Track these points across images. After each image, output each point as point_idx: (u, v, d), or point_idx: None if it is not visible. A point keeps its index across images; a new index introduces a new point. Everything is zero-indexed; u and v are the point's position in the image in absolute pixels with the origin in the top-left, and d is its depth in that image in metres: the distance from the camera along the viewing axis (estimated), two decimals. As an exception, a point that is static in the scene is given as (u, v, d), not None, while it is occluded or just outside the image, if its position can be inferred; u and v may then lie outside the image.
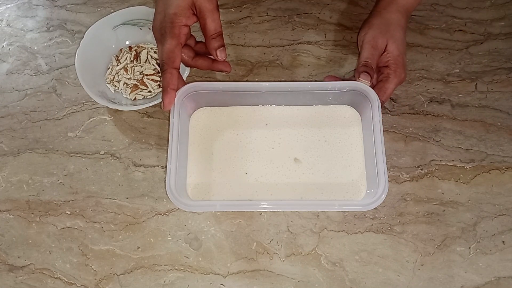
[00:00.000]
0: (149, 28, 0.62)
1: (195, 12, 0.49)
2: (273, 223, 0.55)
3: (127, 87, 0.60)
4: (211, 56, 0.53)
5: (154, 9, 0.60)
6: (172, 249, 0.55)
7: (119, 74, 0.60)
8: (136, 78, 0.60)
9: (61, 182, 0.58)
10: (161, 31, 0.48)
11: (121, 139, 0.60)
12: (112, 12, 0.61)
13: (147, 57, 0.61)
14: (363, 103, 0.57)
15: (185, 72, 0.57)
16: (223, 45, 0.51)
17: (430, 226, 0.54)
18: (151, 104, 0.56)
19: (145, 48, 0.62)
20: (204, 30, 0.50)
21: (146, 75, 0.60)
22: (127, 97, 0.60)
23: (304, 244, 0.54)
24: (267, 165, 0.57)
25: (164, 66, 0.48)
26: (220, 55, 0.51)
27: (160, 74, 0.60)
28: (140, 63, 0.61)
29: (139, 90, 0.60)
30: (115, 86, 0.61)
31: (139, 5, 0.64)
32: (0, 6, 0.68)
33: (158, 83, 0.60)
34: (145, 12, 0.61)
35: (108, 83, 0.61)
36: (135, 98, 0.60)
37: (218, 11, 0.49)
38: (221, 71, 0.54)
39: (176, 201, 0.52)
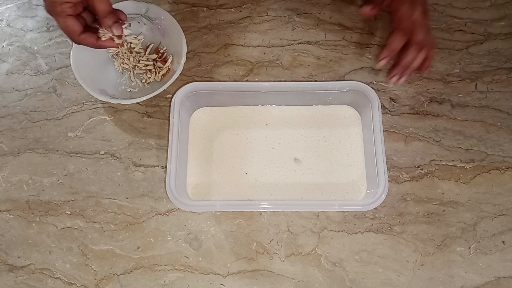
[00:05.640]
0: (138, 22, 0.60)
1: None
2: (273, 223, 0.55)
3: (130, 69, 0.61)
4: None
5: (143, 3, 0.59)
6: (172, 249, 0.55)
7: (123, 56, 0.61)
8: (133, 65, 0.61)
9: (61, 182, 0.58)
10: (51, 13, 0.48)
11: (121, 139, 0.60)
12: None
13: (140, 49, 0.61)
14: (363, 103, 0.57)
15: (179, 67, 0.56)
16: (117, 21, 0.50)
17: (430, 226, 0.54)
18: (151, 95, 0.55)
19: (138, 40, 0.61)
20: (95, 12, 0.49)
21: (141, 65, 0.60)
22: (127, 86, 0.60)
23: (304, 244, 0.54)
24: (267, 165, 0.57)
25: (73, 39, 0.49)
26: (116, 31, 0.50)
27: (156, 64, 0.61)
28: (133, 54, 0.60)
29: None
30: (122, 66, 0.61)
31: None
32: (0, 6, 0.68)
33: (154, 71, 0.60)
34: (134, 6, 0.59)
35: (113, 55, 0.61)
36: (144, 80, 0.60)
37: None
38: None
39: (176, 201, 0.52)
